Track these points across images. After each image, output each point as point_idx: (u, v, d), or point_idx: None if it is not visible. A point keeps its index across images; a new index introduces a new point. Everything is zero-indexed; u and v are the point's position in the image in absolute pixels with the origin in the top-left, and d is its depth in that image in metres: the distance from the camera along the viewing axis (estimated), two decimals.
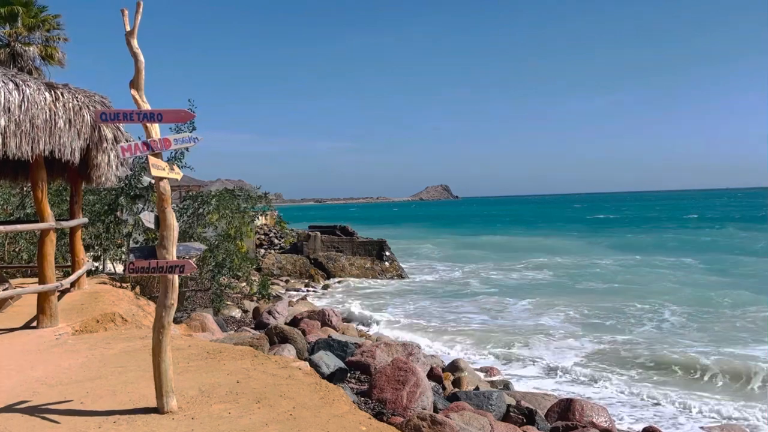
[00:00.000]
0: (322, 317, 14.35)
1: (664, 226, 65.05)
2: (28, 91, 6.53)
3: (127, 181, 11.89)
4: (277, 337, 10.35)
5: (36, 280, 7.91)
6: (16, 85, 6.49)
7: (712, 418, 9.93)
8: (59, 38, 25.74)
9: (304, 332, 11.90)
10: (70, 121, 6.87)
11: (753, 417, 9.85)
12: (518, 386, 11.48)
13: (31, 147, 6.53)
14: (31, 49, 24.67)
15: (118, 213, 11.94)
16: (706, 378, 11.93)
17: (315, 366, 8.41)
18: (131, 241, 11.89)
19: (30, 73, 22.13)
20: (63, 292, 8.35)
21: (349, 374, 9.18)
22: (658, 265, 31.13)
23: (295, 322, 13.65)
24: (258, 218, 22.18)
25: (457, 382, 10.68)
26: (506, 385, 11.30)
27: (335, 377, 8.60)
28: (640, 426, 9.33)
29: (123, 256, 11.98)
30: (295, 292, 23.38)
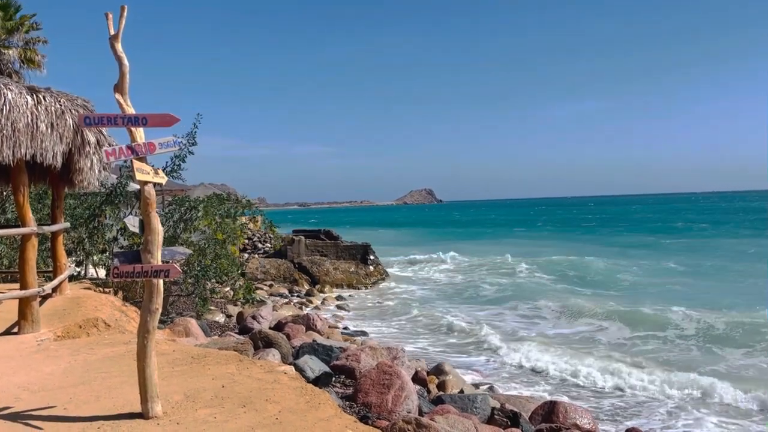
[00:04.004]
0: (306, 321, 14.31)
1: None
2: (9, 94, 6.48)
3: (113, 188, 11.83)
4: (262, 342, 10.31)
5: (17, 285, 7.83)
6: None
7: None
8: (38, 40, 25.44)
9: (288, 336, 11.86)
10: (52, 125, 6.82)
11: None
12: (503, 389, 11.54)
13: (13, 151, 6.48)
14: (10, 52, 24.37)
15: (101, 217, 11.85)
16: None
17: (300, 370, 8.38)
18: (116, 246, 11.80)
19: (10, 76, 21.87)
20: (45, 298, 8.27)
21: (334, 378, 9.16)
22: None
23: (279, 326, 13.59)
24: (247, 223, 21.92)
25: (441, 386, 10.70)
26: (491, 388, 11.35)
27: (320, 381, 8.58)
28: (623, 427, 9.42)
29: (107, 261, 11.87)
30: (279, 297, 23.26)
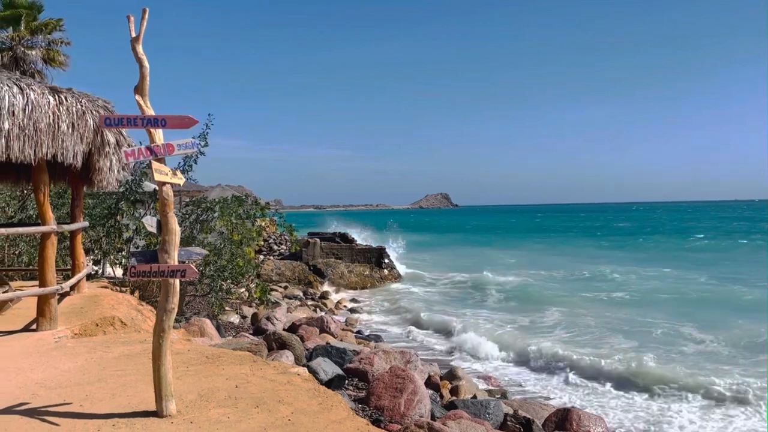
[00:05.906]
0: (320, 324, 14.36)
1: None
2: (32, 95, 6.57)
3: (128, 186, 11.93)
4: (276, 343, 10.36)
5: (36, 283, 7.93)
6: (21, 88, 6.54)
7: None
8: (61, 41, 25.83)
9: (302, 338, 11.91)
10: (73, 125, 6.91)
11: None
12: (516, 395, 11.48)
13: (34, 150, 6.57)
14: (34, 52, 24.77)
15: (119, 217, 11.97)
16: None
17: (313, 372, 8.42)
18: (132, 246, 11.92)
19: (32, 76, 22.20)
20: (63, 296, 8.37)
21: (346, 381, 9.19)
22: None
23: (293, 328, 13.66)
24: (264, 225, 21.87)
25: (454, 391, 10.68)
26: (504, 394, 11.30)
27: (333, 384, 8.61)
28: None
29: (123, 261, 11.99)
30: (293, 299, 23.32)
